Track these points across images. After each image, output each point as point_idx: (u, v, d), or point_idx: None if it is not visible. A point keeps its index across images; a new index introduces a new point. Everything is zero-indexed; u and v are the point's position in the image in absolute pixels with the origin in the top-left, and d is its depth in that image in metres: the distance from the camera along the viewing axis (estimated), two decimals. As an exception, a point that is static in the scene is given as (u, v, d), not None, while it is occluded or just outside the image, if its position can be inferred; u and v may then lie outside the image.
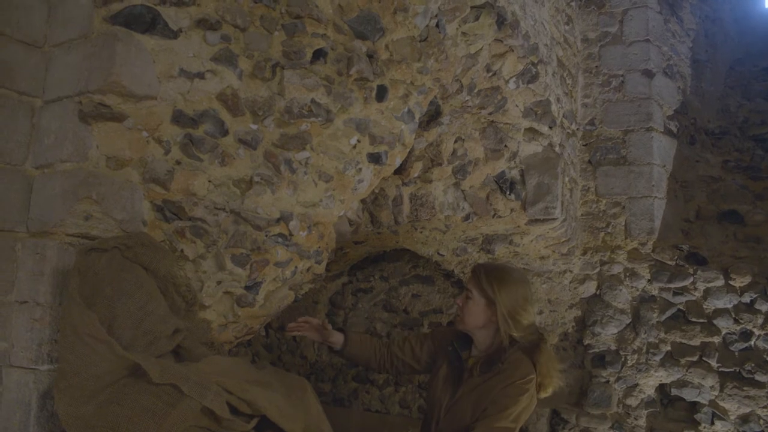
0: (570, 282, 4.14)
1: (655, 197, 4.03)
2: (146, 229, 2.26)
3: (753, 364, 3.65)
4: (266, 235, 2.35)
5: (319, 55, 2.40)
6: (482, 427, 2.31)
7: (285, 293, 2.60)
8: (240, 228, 2.32)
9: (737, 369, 3.69)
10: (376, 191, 3.57)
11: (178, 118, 2.21)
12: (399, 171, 3.48)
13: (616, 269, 4.04)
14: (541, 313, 4.20)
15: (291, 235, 2.41)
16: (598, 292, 4.08)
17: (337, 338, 2.80)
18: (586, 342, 4.05)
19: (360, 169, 2.60)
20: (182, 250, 2.31)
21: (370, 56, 2.55)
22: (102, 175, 2.13)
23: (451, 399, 2.47)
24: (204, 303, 2.39)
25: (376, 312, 4.82)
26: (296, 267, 2.52)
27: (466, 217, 3.63)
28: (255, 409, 2.23)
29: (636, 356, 3.92)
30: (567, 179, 3.77)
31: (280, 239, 2.39)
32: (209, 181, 2.28)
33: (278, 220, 2.36)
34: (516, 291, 2.45)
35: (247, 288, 2.42)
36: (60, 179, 2.11)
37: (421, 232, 3.94)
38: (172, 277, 2.28)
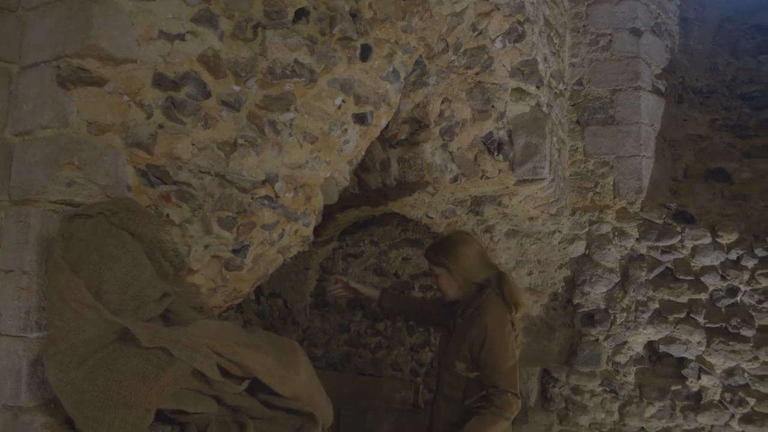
0: (559, 242, 4.15)
1: (643, 156, 4.03)
2: (131, 195, 2.25)
3: (739, 320, 3.69)
4: (252, 198, 2.34)
5: (301, 14, 2.37)
6: (497, 379, 2.80)
7: (273, 256, 2.59)
8: (225, 191, 2.30)
9: (723, 324, 3.74)
10: (363, 154, 3.55)
11: (160, 81, 2.18)
12: (386, 133, 3.46)
13: (605, 229, 4.05)
14: (530, 273, 4.22)
15: (277, 197, 2.39)
16: (587, 252, 4.10)
17: (374, 293, 3.51)
18: (576, 301, 4.08)
19: (345, 129, 2.58)
20: (168, 215, 2.30)
21: (354, 15, 2.51)
22: (83, 140, 2.11)
23: (447, 344, 3.04)
24: (192, 267, 2.39)
25: (367, 276, 4.83)
26: (284, 229, 2.51)
27: (455, 179, 3.62)
28: (246, 371, 2.24)
29: (625, 314, 3.96)
30: (555, 139, 3.75)
31: (266, 201, 2.38)
32: (193, 145, 2.26)
33: (264, 182, 2.35)
34: (460, 250, 3.00)
35: (234, 251, 2.42)
36: (40, 146, 2.09)
37: (409, 195, 3.93)
38: (159, 242, 2.27)
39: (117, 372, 1.96)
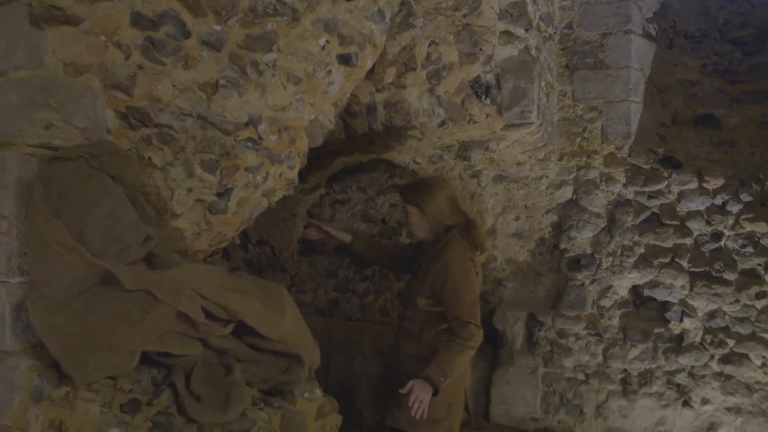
0: (546, 188, 4.14)
1: (632, 101, 3.99)
2: (111, 138, 2.21)
3: (722, 264, 3.72)
4: (235, 140, 2.31)
5: (282, -51, 2.29)
6: (459, 312, 3.04)
7: (258, 199, 2.58)
8: (208, 133, 2.27)
9: (707, 269, 3.77)
10: (349, 98, 3.50)
11: (137, 20, 2.12)
12: (372, 77, 3.40)
13: (592, 174, 4.04)
14: (517, 219, 4.22)
15: (260, 139, 2.36)
16: (574, 197, 4.10)
17: (346, 237, 3.79)
18: (562, 246, 4.10)
19: (330, 71, 2.53)
20: (150, 158, 2.28)
21: (337, -49, 2.44)
22: (60, 81, 2.06)
23: (409, 287, 3.32)
24: (175, 211, 2.37)
25: (354, 223, 4.82)
26: (268, 172, 2.49)
27: (442, 123, 3.58)
28: (231, 314, 2.25)
29: (611, 259, 3.99)
30: (543, 84, 3.70)
31: (249, 144, 2.35)
32: (173, 86, 2.21)
33: (247, 124, 2.31)
34: (434, 193, 3.22)
35: (218, 195, 2.40)
36: (15, 88, 2.03)
37: (396, 140, 3.90)
38: (141, 186, 2.24)
39: (100, 315, 1.96)
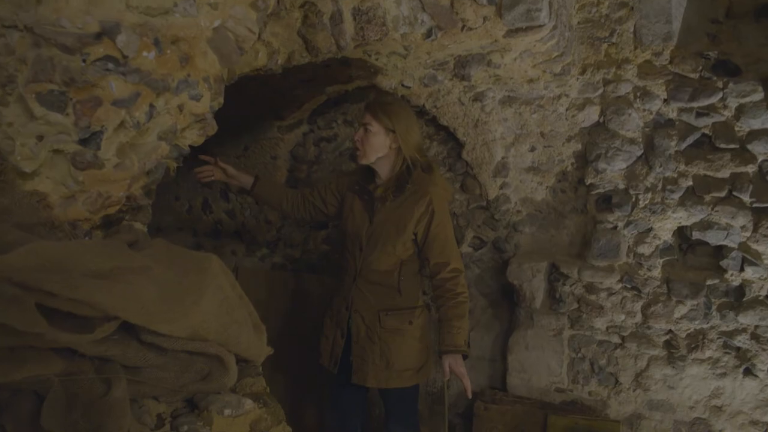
0: (567, 109, 3.34)
1: (675, -8, 3.13)
2: None
3: (796, 196, 2.94)
4: (84, 60, 1.57)
5: None
6: (449, 255, 2.80)
7: (153, 145, 1.86)
8: (42, 53, 1.54)
9: (776, 203, 2.99)
10: (306, 7, 2.72)
11: None
12: (327, -26, 2.61)
13: (624, 89, 3.22)
14: (533, 150, 3.45)
15: (125, 57, 1.62)
16: (601, 120, 3.30)
17: (246, 179, 3.17)
18: (589, 181, 3.34)
19: (229, -45, 1.77)
20: (-32, 94, 1.57)
21: None
22: None
23: (371, 225, 2.88)
24: (23, 169, 1.67)
25: (343, 163, 4.10)
26: (153, 105, 1.75)
27: (428, 34, 2.79)
28: (101, 310, 1.59)
29: (649, 195, 3.22)
30: (558, -26, 2.87)
31: (110, 65, 1.61)
32: (-20, -16, 1.48)
33: (99, 36, 1.57)
34: (404, 117, 2.86)
35: (81, 142, 1.69)
36: None
37: (376, 59, 3.12)
38: (-49, 135, 1.55)
39: None
